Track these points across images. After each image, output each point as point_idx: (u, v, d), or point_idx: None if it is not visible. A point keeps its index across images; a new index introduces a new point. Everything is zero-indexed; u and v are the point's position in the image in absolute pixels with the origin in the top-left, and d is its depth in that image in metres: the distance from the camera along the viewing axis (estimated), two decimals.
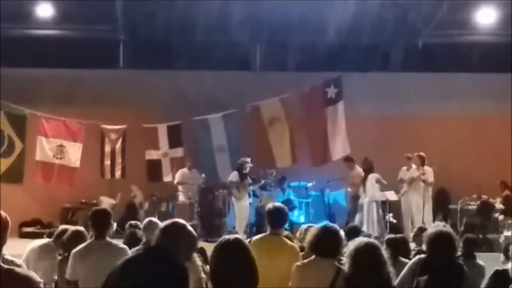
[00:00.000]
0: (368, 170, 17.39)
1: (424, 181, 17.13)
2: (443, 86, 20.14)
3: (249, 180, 17.58)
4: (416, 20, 19.86)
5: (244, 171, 17.53)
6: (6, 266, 4.18)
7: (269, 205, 8.29)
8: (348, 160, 18.33)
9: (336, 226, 7.02)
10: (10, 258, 6.59)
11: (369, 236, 9.18)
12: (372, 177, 17.18)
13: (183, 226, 4.88)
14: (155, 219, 8.94)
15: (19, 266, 6.40)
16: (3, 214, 4.35)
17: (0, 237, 4.27)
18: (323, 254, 6.60)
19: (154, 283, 4.50)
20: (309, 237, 6.97)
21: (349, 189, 18.39)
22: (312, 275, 6.51)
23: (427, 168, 17.28)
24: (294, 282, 6.59)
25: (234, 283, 4.70)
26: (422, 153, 17.39)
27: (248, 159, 17.75)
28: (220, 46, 19.76)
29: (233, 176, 17.49)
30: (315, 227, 7.07)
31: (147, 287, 4.48)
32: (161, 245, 4.71)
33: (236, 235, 5.10)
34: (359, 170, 17.87)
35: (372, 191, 17.07)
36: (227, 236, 5.01)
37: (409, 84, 20.30)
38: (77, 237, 8.12)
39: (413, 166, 17.58)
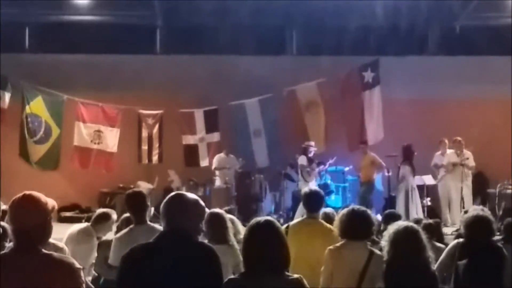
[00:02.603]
0: (407, 156, 17.18)
1: (463, 165, 17.00)
2: (480, 69, 19.92)
3: (315, 164, 17.60)
4: (454, 3, 19.69)
5: (309, 155, 17.53)
6: (45, 251, 4.21)
7: (305, 189, 8.31)
8: (364, 143, 18.20)
9: (364, 208, 7.01)
10: (51, 241, 6.67)
11: (419, 221, 9.14)
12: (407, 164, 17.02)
13: (185, 197, 4.86)
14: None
15: (60, 248, 6.48)
16: (53, 202, 4.40)
17: (46, 225, 4.31)
18: (353, 237, 6.60)
19: (184, 269, 4.53)
20: (337, 221, 6.95)
21: (358, 174, 18.20)
22: (344, 258, 6.51)
23: (468, 152, 17.15)
24: (327, 266, 6.58)
25: (265, 263, 4.71)
26: (459, 138, 17.24)
27: (312, 143, 17.78)
28: (256, 30, 19.75)
29: (302, 159, 17.44)
30: (343, 211, 7.05)
31: (176, 274, 4.51)
32: (178, 226, 4.70)
33: (268, 217, 5.10)
34: (371, 155, 17.70)
35: (410, 177, 16.90)
36: (258, 218, 5.01)
37: (447, 68, 20.12)
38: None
39: (448, 151, 17.46)
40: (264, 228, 4.84)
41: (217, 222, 7.49)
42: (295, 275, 4.77)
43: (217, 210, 7.88)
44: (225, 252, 7.12)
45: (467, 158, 17.05)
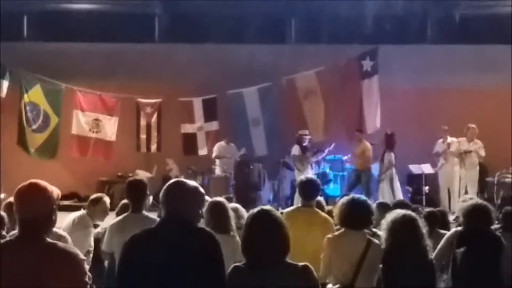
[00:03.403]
0: (391, 144, 17.24)
1: (468, 151, 17.01)
2: (480, 58, 19.88)
3: (310, 153, 17.62)
4: None
5: (304, 144, 17.54)
6: (49, 240, 4.20)
7: (301, 177, 8.31)
8: (359, 131, 18.16)
9: (364, 197, 7.02)
10: (54, 229, 6.69)
11: (416, 209, 9.15)
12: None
13: (185, 185, 4.86)
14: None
15: (63, 237, 6.50)
16: (58, 191, 4.40)
17: (51, 214, 4.31)
18: (353, 226, 6.62)
19: (185, 255, 4.54)
20: (337, 210, 6.96)
21: (349, 162, 18.18)
22: (343, 247, 6.54)
23: (479, 141, 17.15)
24: (325, 255, 6.61)
25: (266, 252, 4.71)
26: (473, 125, 17.21)
27: (306, 131, 17.81)
28: (255, 19, 19.71)
29: (295, 149, 17.49)
30: (343, 199, 7.06)
31: (178, 261, 4.52)
32: (178, 213, 4.71)
33: (268, 206, 5.09)
34: (366, 144, 17.68)
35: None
36: (258, 207, 5.01)
37: (446, 56, 20.07)
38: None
39: (450, 139, 17.46)
40: (265, 217, 4.84)
41: (219, 211, 7.48)
42: (301, 263, 4.78)
43: (218, 198, 7.86)
44: (226, 242, 7.13)
45: (483, 147, 17.05)
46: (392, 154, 17.01)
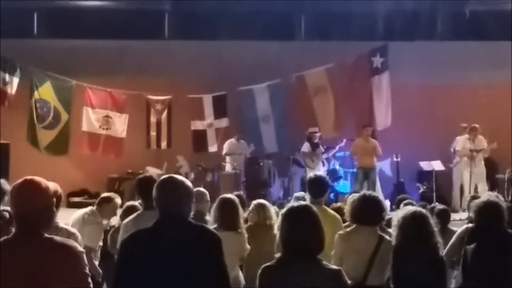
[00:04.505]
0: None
1: (478, 151, 17.05)
2: (490, 54, 19.79)
3: (321, 149, 17.69)
4: None
5: (315, 141, 17.57)
6: (47, 235, 4.22)
7: (310, 174, 8.32)
8: (369, 126, 18.15)
9: (375, 194, 7.03)
10: (64, 226, 6.71)
11: (425, 206, 9.15)
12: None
13: (176, 180, 4.87)
14: (203, 189, 8.90)
15: (72, 234, 6.51)
16: (56, 187, 4.41)
17: (48, 210, 4.32)
18: (364, 222, 6.63)
19: (184, 253, 4.55)
20: (348, 206, 6.97)
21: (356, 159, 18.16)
22: (354, 243, 6.55)
23: (482, 138, 17.18)
24: (337, 251, 6.61)
25: (304, 249, 4.72)
26: (477, 125, 17.25)
27: (316, 129, 17.94)
28: (265, 16, 19.68)
29: (305, 147, 17.65)
30: (355, 196, 7.06)
31: (177, 258, 4.53)
32: (174, 209, 4.73)
33: (305, 202, 5.19)
34: (373, 141, 17.68)
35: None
36: (295, 203, 5.04)
37: (456, 53, 19.99)
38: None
39: (459, 137, 17.46)
40: (307, 212, 4.87)
41: (228, 208, 7.49)
42: (335, 267, 4.85)
43: (228, 195, 7.86)
44: (234, 239, 7.13)
45: (494, 146, 17.10)
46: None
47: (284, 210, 5.00)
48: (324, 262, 4.77)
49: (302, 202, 5.12)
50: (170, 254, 4.52)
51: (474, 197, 10.60)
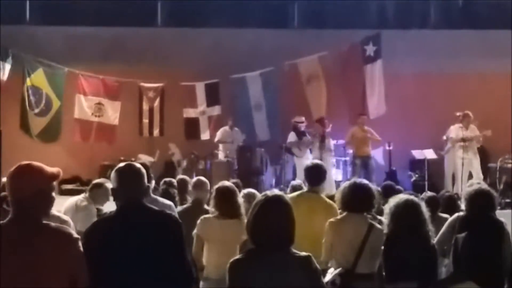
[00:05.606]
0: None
1: (470, 138, 17.05)
2: (484, 43, 19.80)
3: (308, 137, 17.64)
4: None
5: (301, 130, 17.59)
6: (43, 222, 4.22)
7: (308, 163, 8.30)
8: (363, 115, 18.18)
9: (365, 181, 7.02)
10: (56, 214, 6.70)
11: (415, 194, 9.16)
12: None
13: (135, 167, 5.00)
14: (204, 179, 8.91)
15: (65, 221, 6.51)
16: (57, 169, 4.41)
17: (44, 194, 4.32)
18: (354, 209, 6.64)
19: (147, 238, 4.64)
20: (338, 193, 6.96)
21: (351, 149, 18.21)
22: (344, 231, 6.56)
23: (474, 127, 17.18)
24: (327, 239, 6.62)
25: (275, 239, 4.60)
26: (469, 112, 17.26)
27: (302, 118, 17.85)
28: (258, 3, 19.65)
29: (291, 136, 17.66)
30: (345, 183, 7.06)
31: (140, 244, 4.60)
32: (134, 195, 4.85)
33: (277, 192, 5.02)
34: (367, 129, 17.71)
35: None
36: (268, 192, 4.89)
37: (449, 42, 19.99)
38: None
39: (458, 125, 17.47)
40: (278, 202, 4.72)
41: (228, 197, 7.45)
42: (303, 253, 4.68)
43: (226, 183, 7.81)
44: (236, 227, 7.10)
45: (488, 134, 17.10)
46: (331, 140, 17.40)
47: (255, 200, 4.87)
48: (294, 251, 4.64)
49: (275, 192, 4.94)
50: (132, 240, 4.60)
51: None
